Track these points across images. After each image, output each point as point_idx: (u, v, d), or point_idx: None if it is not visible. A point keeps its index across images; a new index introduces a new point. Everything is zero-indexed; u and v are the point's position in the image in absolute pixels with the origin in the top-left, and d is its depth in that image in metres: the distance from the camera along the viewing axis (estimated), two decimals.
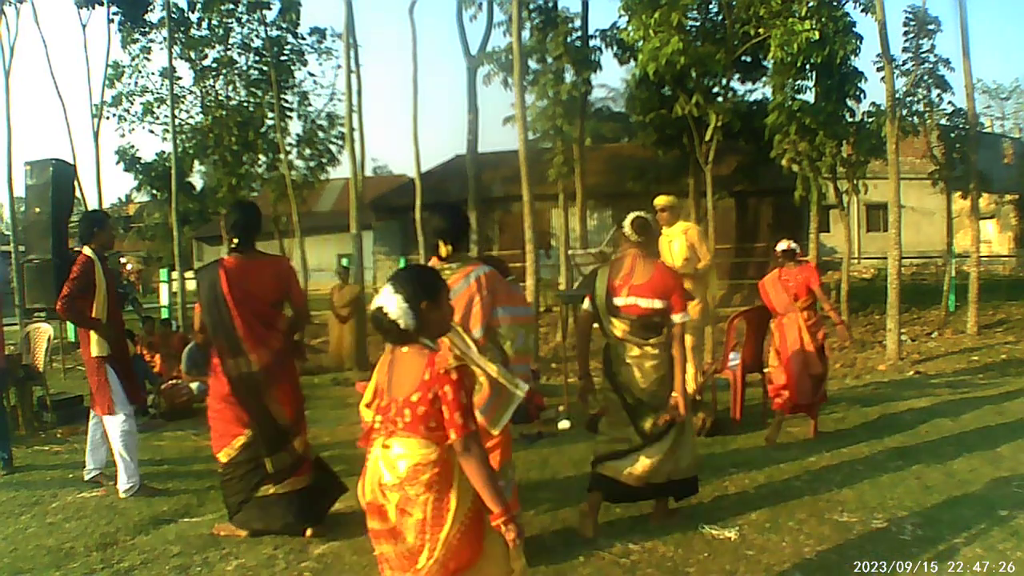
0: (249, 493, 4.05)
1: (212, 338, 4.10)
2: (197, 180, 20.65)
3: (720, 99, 12.13)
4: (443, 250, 3.47)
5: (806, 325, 5.91)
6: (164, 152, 16.16)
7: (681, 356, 3.96)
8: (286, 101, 15.32)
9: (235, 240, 4.14)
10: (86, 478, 5.08)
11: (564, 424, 6.53)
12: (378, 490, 2.45)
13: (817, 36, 9.71)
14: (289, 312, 4.26)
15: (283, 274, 4.27)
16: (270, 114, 15.15)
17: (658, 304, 3.93)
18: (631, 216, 4.22)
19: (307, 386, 9.65)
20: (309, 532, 4.06)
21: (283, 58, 15.04)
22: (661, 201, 6.54)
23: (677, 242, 6.51)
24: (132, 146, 16.35)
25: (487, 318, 3.43)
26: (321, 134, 16.39)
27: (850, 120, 11.25)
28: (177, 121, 14.59)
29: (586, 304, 4.18)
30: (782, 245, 6.20)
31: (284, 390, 4.12)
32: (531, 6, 12.67)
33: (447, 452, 2.39)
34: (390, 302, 2.41)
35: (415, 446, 2.39)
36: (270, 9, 14.56)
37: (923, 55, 11.13)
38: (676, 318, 3.95)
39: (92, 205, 14.54)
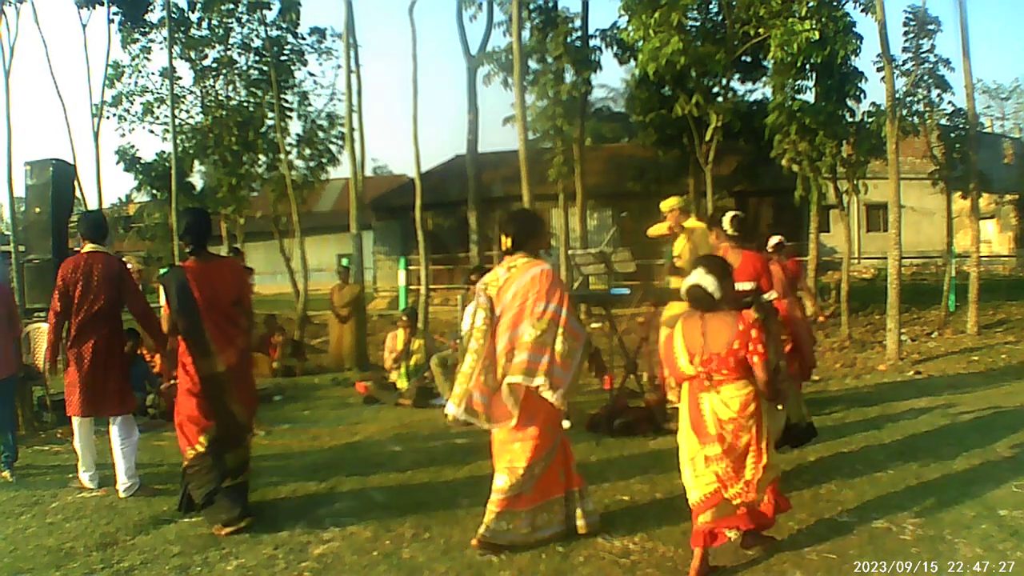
0: (217, 483, 4.20)
1: (184, 339, 4.24)
2: (197, 180, 20.63)
3: (720, 99, 12.13)
4: (504, 244, 3.91)
5: (798, 303, 7.03)
6: (164, 152, 16.14)
7: (775, 327, 4.83)
8: (286, 101, 15.32)
9: (190, 245, 4.37)
10: (93, 485, 4.99)
11: (564, 424, 6.52)
12: (718, 424, 3.44)
13: (817, 36, 9.71)
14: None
15: (238, 273, 4.58)
16: (270, 114, 15.14)
17: (748, 286, 4.72)
18: (730, 214, 5.08)
19: (307, 386, 9.71)
20: (223, 531, 4.11)
21: (283, 58, 15.03)
22: (667, 205, 6.63)
23: (679, 243, 6.57)
24: (132, 146, 16.31)
25: (538, 311, 3.70)
26: (321, 134, 16.39)
27: (850, 120, 11.24)
28: (177, 121, 14.58)
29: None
30: (775, 239, 7.35)
31: (244, 389, 4.38)
32: (531, 6, 12.68)
33: (756, 386, 3.41)
34: (705, 280, 3.46)
35: (738, 387, 3.41)
36: (270, 9, 14.56)
37: (923, 55, 11.11)
38: (766, 296, 4.81)
39: (92, 205, 14.53)
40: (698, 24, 12.14)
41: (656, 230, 6.85)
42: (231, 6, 14.54)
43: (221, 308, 4.26)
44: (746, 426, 3.40)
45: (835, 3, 10.37)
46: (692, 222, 6.66)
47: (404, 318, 8.84)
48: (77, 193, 11.67)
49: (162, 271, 7.82)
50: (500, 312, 3.80)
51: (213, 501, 4.19)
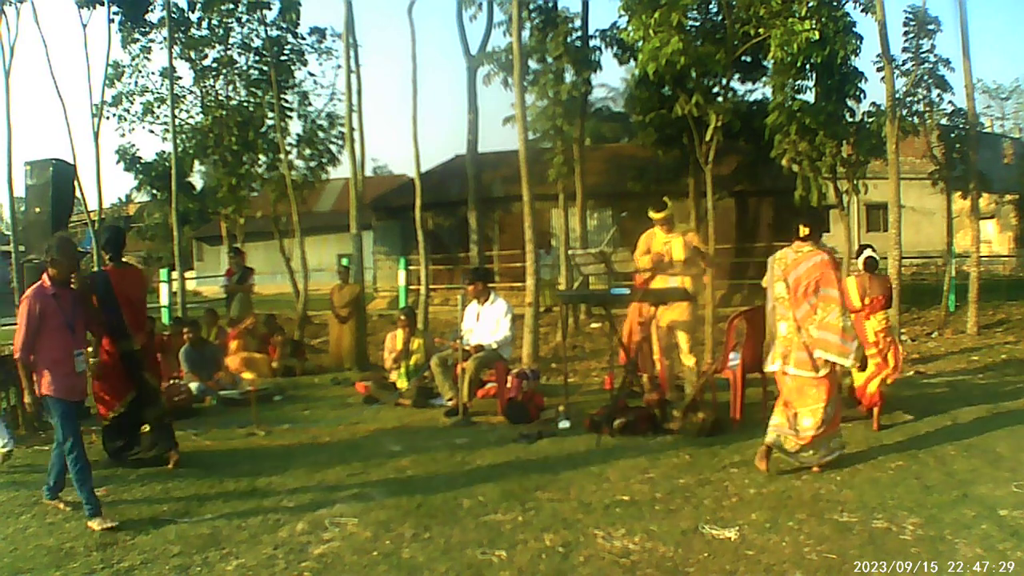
0: (127, 438, 5.59)
1: (109, 326, 5.43)
2: (197, 180, 20.64)
3: (720, 99, 12.10)
4: (802, 231, 5.02)
5: None
6: (164, 152, 16.12)
7: None
8: (286, 101, 15.29)
9: (109, 254, 5.61)
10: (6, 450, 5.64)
11: (564, 424, 6.54)
12: (875, 335, 6.34)
13: (817, 36, 9.69)
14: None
15: (143, 278, 6.03)
16: (270, 114, 15.11)
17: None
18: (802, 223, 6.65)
19: (307, 386, 9.71)
20: (174, 458, 5.51)
21: (283, 58, 14.99)
22: (658, 216, 6.70)
23: (676, 244, 6.61)
24: (132, 146, 16.29)
25: (819, 290, 4.84)
26: (321, 134, 16.36)
27: (850, 120, 11.22)
28: (177, 121, 14.57)
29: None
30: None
31: (152, 362, 5.84)
32: (531, 6, 12.64)
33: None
34: (875, 254, 6.61)
35: (882, 315, 6.46)
36: (270, 9, 14.51)
37: (923, 55, 11.11)
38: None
39: (92, 205, 14.54)
40: (698, 24, 12.10)
41: (645, 263, 6.94)
42: (231, 6, 14.50)
43: (132, 303, 5.59)
44: (887, 333, 6.48)
45: (835, 3, 10.34)
46: (682, 227, 6.82)
47: (403, 317, 8.83)
48: (77, 193, 11.67)
49: (162, 270, 8.10)
50: (793, 285, 4.93)
51: (121, 454, 5.57)
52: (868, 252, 6.58)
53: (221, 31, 14.86)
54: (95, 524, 4.28)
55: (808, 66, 10.64)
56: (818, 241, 5.06)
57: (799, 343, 4.89)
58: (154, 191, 17.10)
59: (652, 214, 6.87)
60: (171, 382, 8.30)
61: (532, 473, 5.17)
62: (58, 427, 4.51)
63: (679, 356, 7.00)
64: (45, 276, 4.66)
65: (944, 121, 12.15)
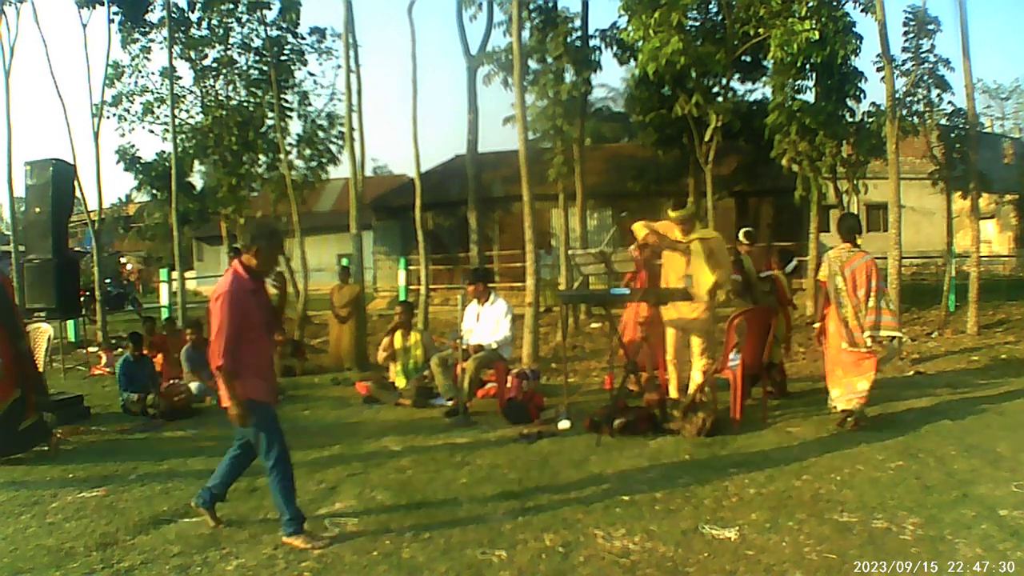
0: (13, 429, 5.81)
1: (8, 327, 5.82)
2: (197, 180, 20.61)
3: (720, 99, 12.12)
4: (857, 240, 6.19)
5: None
6: (164, 152, 16.11)
7: None
8: (286, 101, 15.29)
9: None
10: None
11: (564, 424, 6.53)
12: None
13: (817, 36, 9.71)
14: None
15: (10, 282, 6.87)
16: (270, 114, 15.12)
17: None
18: (745, 229, 7.66)
19: (307, 386, 9.71)
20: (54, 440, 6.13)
21: (283, 58, 15.00)
22: (675, 214, 6.48)
23: (693, 254, 6.49)
24: (132, 146, 16.29)
25: (868, 284, 6.05)
26: (321, 134, 16.37)
27: (850, 120, 11.24)
28: (177, 121, 14.57)
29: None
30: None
31: (33, 363, 6.35)
32: (531, 6, 12.64)
33: None
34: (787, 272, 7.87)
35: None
36: (270, 9, 14.53)
37: (923, 55, 11.11)
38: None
39: (92, 205, 14.55)
40: (698, 24, 12.13)
41: (641, 233, 6.55)
42: (231, 6, 14.51)
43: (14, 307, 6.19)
44: None
45: (835, 3, 10.36)
46: (707, 231, 6.68)
47: (398, 307, 8.83)
48: (77, 193, 11.67)
49: (162, 270, 8.13)
50: (850, 277, 6.08)
51: (8, 444, 5.85)
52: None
53: (221, 31, 14.86)
54: (299, 542, 3.85)
55: (808, 66, 10.66)
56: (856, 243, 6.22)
57: (856, 325, 6.02)
58: (154, 191, 17.09)
59: (670, 212, 6.52)
60: (171, 382, 8.30)
61: (532, 473, 5.17)
62: (263, 437, 3.90)
63: (689, 358, 6.88)
64: (238, 266, 3.91)
65: (944, 121, 12.14)
